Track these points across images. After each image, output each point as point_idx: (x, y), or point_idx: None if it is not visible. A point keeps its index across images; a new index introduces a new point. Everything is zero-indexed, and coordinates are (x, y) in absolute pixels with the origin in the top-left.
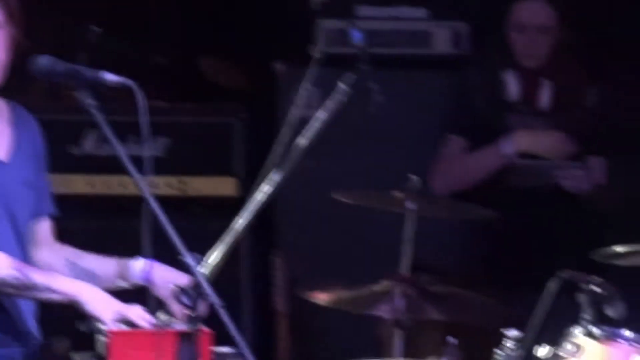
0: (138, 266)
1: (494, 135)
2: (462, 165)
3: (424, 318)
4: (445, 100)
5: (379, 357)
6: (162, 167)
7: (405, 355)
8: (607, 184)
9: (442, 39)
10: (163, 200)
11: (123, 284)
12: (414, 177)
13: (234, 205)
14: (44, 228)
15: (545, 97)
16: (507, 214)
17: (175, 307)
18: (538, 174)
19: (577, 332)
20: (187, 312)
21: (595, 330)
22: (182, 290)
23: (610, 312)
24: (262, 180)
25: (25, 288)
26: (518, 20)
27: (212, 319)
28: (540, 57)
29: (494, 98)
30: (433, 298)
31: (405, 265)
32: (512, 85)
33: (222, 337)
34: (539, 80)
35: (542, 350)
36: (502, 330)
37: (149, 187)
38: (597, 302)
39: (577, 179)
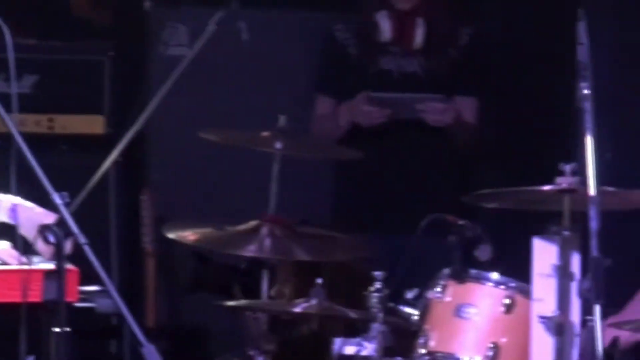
0: (4, 204)
1: (366, 80)
2: (325, 127)
3: (292, 258)
4: (315, 41)
5: (246, 297)
6: (30, 104)
7: (273, 296)
8: (477, 123)
9: None
10: (31, 138)
11: None
12: (282, 117)
13: (103, 144)
14: None
15: (418, 37)
16: (375, 154)
17: (41, 245)
18: (398, 107)
19: (445, 274)
20: (53, 250)
21: (462, 272)
22: (48, 228)
23: (478, 254)
24: (130, 119)
25: None
26: None
27: (79, 257)
28: None
29: (367, 41)
30: (300, 238)
31: (272, 206)
32: (385, 26)
33: (90, 276)
34: (413, 20)
35: (410, 292)
36: (370, 271)
37: (17, 124)
38: (465, 245)
39: (439, 112)
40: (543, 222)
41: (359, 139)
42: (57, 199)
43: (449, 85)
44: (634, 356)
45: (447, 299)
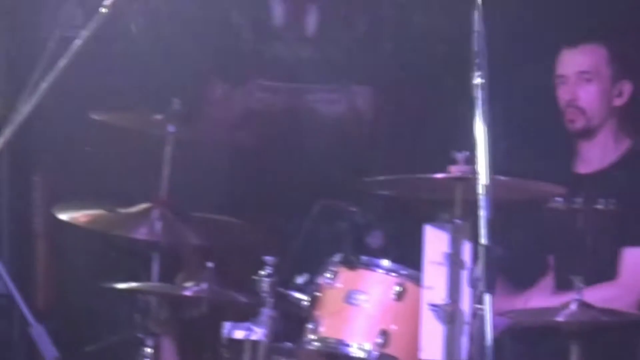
0: None
1: (261, 66)
2: (219, 112)
3: (183, 242)
4: (211, 25)
5: (138, 280)
6: None
7: (164, 279)
8: (372, 112)
9: None
10: None
11: None
12: (176, 100)
13: None
14: None
15: (312, 23)
16: (269, 140)
17: None
18: (291, 96)
19: (336, 260)
20: None
21: (353, 258)
22: None
23: (369, 241)
24: (24, 100)
25: None
26: None
27: None
28: None
29: (262, 26)
30: (192, 222)
31: (164, 189)
32: (278, 12)
33: None
34: (306, 5)
35: (301, 278)
36: (261, 256)
37: None
38: (357, 231)
39: (331, 102)
40: (435, 210)
41: (253, 125)
42: None
43: (345, 73)
44: (524, 344)
45: (338, 285)
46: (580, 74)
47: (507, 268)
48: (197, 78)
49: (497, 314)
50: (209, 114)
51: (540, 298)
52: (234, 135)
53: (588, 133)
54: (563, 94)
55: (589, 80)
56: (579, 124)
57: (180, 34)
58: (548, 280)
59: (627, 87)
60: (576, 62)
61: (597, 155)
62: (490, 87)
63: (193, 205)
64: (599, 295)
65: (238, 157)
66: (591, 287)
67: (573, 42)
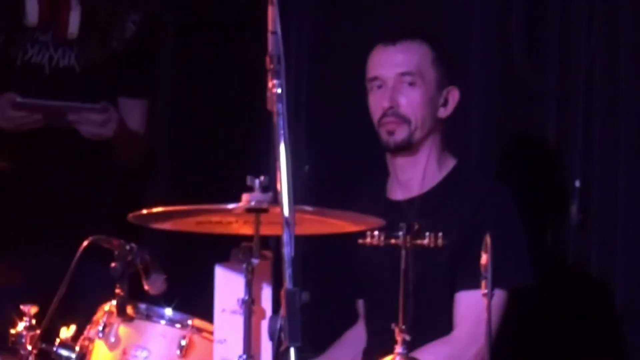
0: None
1: (13, 74)
2: None
3: None
4: None
5: None
6: None
7: None
8: (146, 130)
9: None
10: None
11: None
12: None
13: None
14: None
15: (73, 23)
16: (23, 165)
17: None
18: (49, 117)
19: (107, 310)
20: None
21: (129, 307)
22: None
23: (148, 285)
24: None
25: None
26: None
27: None
28: None
29: (14, 25)
30: None
31: None
32: (32, 7)
33: None
34: (67, 2)
35: (66, 331)
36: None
37: None
38: (133, 274)
39: (97, 124)
40: (228, 247)
41: (5, 147)
42: None
43: (111, 84)
44: None
45: (112, 339)
46: (401, 75)
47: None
48: None
49: None
50: None
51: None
52: None
53: (409, 147)
54: (379, 100)
55: (412, 84)
56: (400, 135)
57: None
58: (356, 332)
59: (453, 95)
60: (396, 62)
61: (417, 177)
62: (292, 98)
63: None
64: (431, 358)
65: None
66: (420, 347)
67: (390, 38)
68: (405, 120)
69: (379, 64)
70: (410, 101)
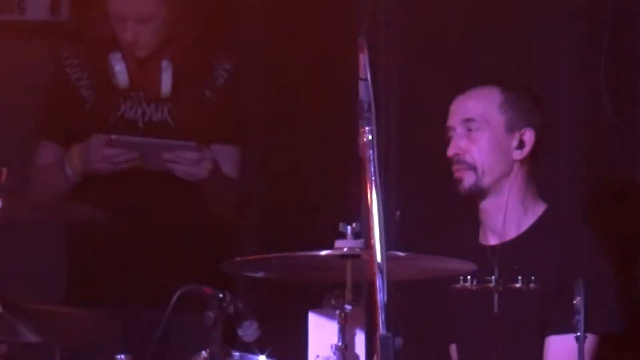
0: None
1: (105, 129)
2: (50, 180)
3: (18, 340)
4: (40, 76)
5: None
6: None
7: None
8: (239, 176)
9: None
10: None
11: None
12: (2, 170)
13: None
14: None
15: (165, 83)
16: (114, 212)
17: None
18: (144, 156)
19: (203, 358)
20: None
21: (223, 355)
22: None
23: (241, 333)
24: None
25: None
26: (114, 9)
27: None
28: (149, 46)
29: (104, 83)
30: (28, 316)
31: None
32: (121, 72)
33: None
34: (156, 64)
35: None
36: (113, 353)
37: None
38: (226, 322)
39: (191, 163)
40: (321, 294)
41: (94, 194)
42: None
43: (205, 132)
44: None
45: None
46: (465, 122)
47: None
48: (25, 142)
49: None
50: (37, 183)
51: None
52: (70, 207)
53: (481, 193)
54: (449, 149)
55: (476, 130)
56: (468, 182)
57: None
58: None
59: (528, 137)
60: (462, 110)
61: (500, 221)
62: (382, 145)
63: (26, 296)
64: None
65: (77, 233)
66: None
67: (464, 88)
68: (470, 167)
69: (451, 114)
70: (475, 147)
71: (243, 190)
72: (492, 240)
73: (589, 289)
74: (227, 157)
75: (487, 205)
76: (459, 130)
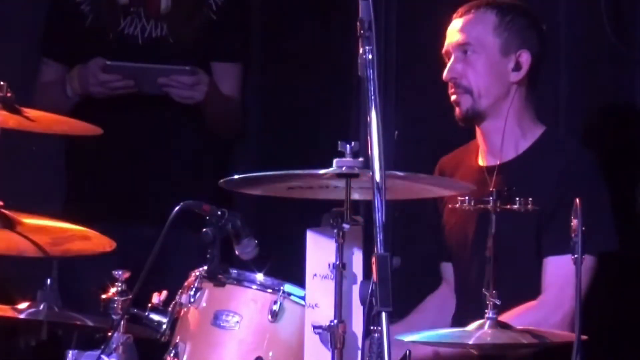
0: None
1: (105, 44)
2: (50, 97)
3: (15, 254)
4: None
5: None
6: None
7: None
8: (239, 95)
9: None
10: None
11: None
12: (2, 84)
13: None
14: None
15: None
16: (112, 133)
17: None
18: (139, 79)
19: (200, 275)
20: None
21: (221, 272)
22: None
23: (239, 251)
24: None
25: None
26: None
27: None
28: None
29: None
30: (26, 231)
31: None
32: None
33: None
34: None
35: (157, 296)
36: (110, 270)
37: None
38: (225, 239)
39: (187, 87)
40: (319, 212)
41: (92, 115)
42: None
43: (205, 51)
44: None
45: (203, 304)
46: (459, 46)
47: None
48: (25, 58)
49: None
50: (39, 99)
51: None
52: (72, 124)
53: (479, 116)
54: (445, 73)
55: (472, 54)
56: (465, 105)
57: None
58: (437, 297)
59: (525, 58)
60: (456, 34)
61: (499, 143)
62: (382, 64)
63: (24, 210)
64: (519, 322)
65: (77, 152)
66: (508, 310)
67: (460, 12)
68: (467, 90)
69: (447, 38)
70: (470, 71)
71: (243, 109)
72: (490, 162)
73: (587, 210)
74: (227, 75)
75: (485, 127)
76: (455, 54)
